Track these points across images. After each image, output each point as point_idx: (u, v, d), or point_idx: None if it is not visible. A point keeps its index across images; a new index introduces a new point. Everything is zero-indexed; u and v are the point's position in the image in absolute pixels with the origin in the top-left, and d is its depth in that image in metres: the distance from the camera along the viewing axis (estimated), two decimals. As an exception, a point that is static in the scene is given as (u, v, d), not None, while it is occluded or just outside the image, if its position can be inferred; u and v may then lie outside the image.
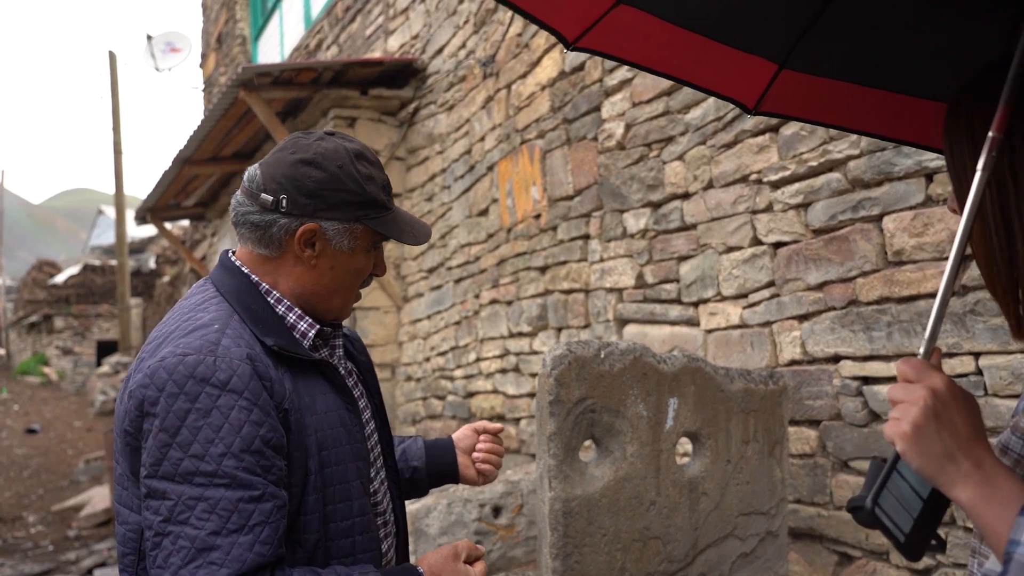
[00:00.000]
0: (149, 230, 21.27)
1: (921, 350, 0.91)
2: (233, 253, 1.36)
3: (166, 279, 16.18)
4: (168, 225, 10.66)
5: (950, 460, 0.82)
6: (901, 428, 0.84)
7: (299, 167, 1.26)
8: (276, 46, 9.84)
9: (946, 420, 0.83)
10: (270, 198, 1.26)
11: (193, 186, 8.52)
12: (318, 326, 1.32)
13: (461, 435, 1.63)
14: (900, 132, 1.54)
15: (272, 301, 1.29)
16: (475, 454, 1.61)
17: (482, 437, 1.62)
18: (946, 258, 2.43)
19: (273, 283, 1.31)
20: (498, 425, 1.64)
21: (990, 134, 0.91)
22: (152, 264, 21.11)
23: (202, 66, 12.13)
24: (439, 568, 1.28)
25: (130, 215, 12.59)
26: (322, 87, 6.09)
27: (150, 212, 9.04)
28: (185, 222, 12.16)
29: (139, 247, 23.13)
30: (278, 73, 5.83)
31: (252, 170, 1.31)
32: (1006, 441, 0.94)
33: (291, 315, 1.30)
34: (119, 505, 1.23)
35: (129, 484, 1.20)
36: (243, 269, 1.31)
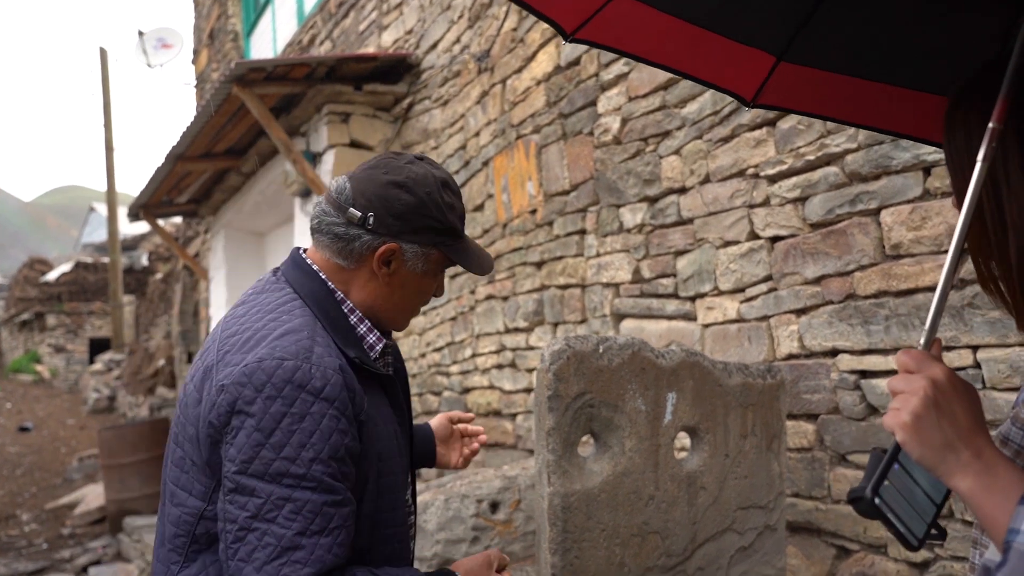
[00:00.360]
0: (141, 227, 21.18)
1: (922, 341, 0.91)
2: (304, 251, 1.39)
3: (159, 276, 16.11)
4: (161, 222, 10.61)
5: (950, 450, 0.82)
6: (901, 418, 0.84)
7: (390, 188, 1.31)
8: (269, 42, 9.80)
9: (946, 410, 0.84)
10: (358, 213, 1.30)
11: (186, 183, 8.48)
12: (384, 340, 1.37)
13: (438, 423, 1.71)
14: (898, 125, 1.53)
15: (346, 311, 1.33)
16: (474, 443, 1.72)
17: (469, 428, 1.72)
18: (944, 251, 2.43)
19: (346, 292, 1.35)
20: (471, 414, 1.74)
21: (990, 125, 0.91)
22: (145, 261, 21.03)
23: (194, 62, 12.07)
24: (474, 574, 1.33)
25: (122, 212, 12.54)
26: (316, 83, 6.06)
27: (143, 209, 8.99)
28: (178, 219, 12.11)
29: (131, 244, 23.04)
30: (271, 69, 5.80)
31: (341, 182, 1.35)
32: (1006, 432, 0.94)
33: (362, 326, 1.34)
34: (175, 487, 1.26)
35: (191, 469, 1.24)
36: (320, 274, 1.34)
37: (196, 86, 11.81)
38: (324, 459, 1.15)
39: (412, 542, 1.45)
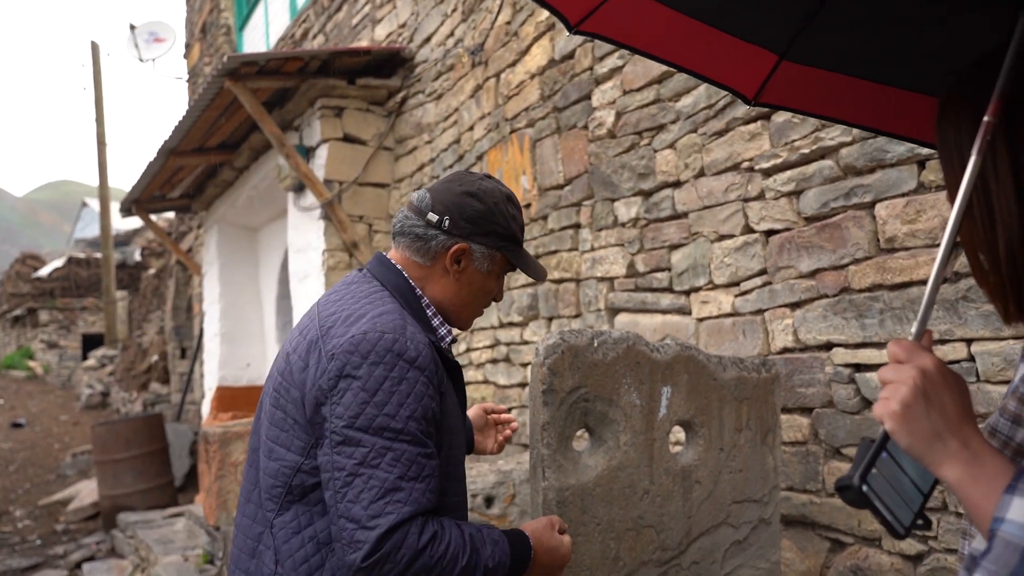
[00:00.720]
0: (134, 222, 21.09)
1: (912, 331, 0.92)
2: (386, 252, 1.62)
3: (152, 272, 16.06)
4: (154, 217, 10.56)
5: (938, 439, 0.84)
6: (890, 407, 0.85)
7: (464, 197, 1.55)
8: (261, 36, 9.76)
9: (935, 400, 0.85)
10: (436, 217, 1.54)
11: (178, 177, 8.44)
12: (452, 334, 1.59)
13: (475, 413, 2.02)
14: (898, 127, 1.54)
15: (424, 304, 1.56)
16: (506, 430, 2.11)
17: (503, 416, 2.07)
18: (938, 245, 2.43)
19: (422, 288, 1.57)
20: (503, 407, 2.02)
21: (985, 119, 0.92)
22: (137, 257, 20.95)
23: (186, 56, 12.01)
24: (540, 534, 1.55)
25: (115, 207, 12.47)
26: (309, 77, 6.03)
27: (135, 204, 8.95)
28: (171, 214, 12.06)
29: (124, 240, 22.96)
30: (264, 62, 5.77)
31: (421, 193, 1.59)
32: (994, 423, 0.95)
33: (436, 319, 1.57)
34: (274, 444, 1.46)
35: (292, 428, 1.43)
36: (402, 271, 1.57)
37: (188, 80, 11.76)
38: (417, 417, 1.36)
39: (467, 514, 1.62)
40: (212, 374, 8.99)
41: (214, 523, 5.42)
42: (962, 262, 2.39)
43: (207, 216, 9.34)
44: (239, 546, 1.51)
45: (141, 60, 11.28)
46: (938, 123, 1.02)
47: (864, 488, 0.85)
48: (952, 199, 0.96)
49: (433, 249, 1.54)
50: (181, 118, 6.66)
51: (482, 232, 1.55)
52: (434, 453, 1.38)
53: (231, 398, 8.71)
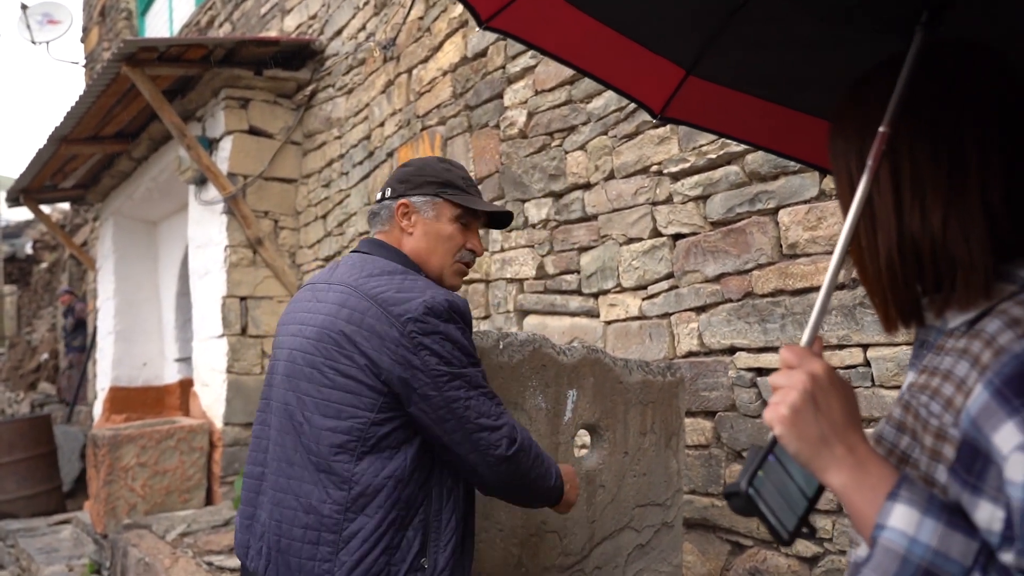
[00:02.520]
0: (26, 213, 20.00)
1: (804, 338, 0.92)
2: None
3: (44, 265, 15.27)
4: (47, 209, 10.02)
5: (824, 445, 0.84)
6: (779, 412, 0.85)
7: (399, 170, 1.87)
8: (165, 22, 9.38)
9: (823, 406, 0.85)
10: (380, 193, 1.86)
11: (72, 166, 8.00)
12: None
13: None
14: (799, 151, 1.55)
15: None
16: None
17: None
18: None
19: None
20: None
21: (881, 129, 0.93)
22: (29, 250, 19.87)
23: (84, 40, 11.45)
24: (566, 470, 1.93)
25: (1, 196, 11.79)
26: (213, 66, 5.80)
27: (23, 193, 8.45)
28: (66, 205, 11.47)
29: (15, 232, 21.75)
30: (165, 49, 5.52)
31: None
32: (880, 430, 0.95)
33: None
34: (340, 405, 1.66)
35: (358, 389, 1.64)
36: (394, 247, 1.82)
37: (86, 66, 11.21)
38: (476, 351, 1.72)
39: None
40: (105, 374, 8.57)
41: (102, 530, 5.14)
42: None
43: (103, 208, 8.90)
44: (286, 507, 1.68)
45: (33, 42, 10.66)
46: (830, 133, 1.04)
47: (750, 491, 0.85)
48: (844, 208, 0.98)
49: (385, 216, 1.84)
50: (74, 104, 6.31)
51: (416, 185, 1.81)
52: None
53: (125, 399, 8.32)
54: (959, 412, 0.81)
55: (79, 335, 10.68)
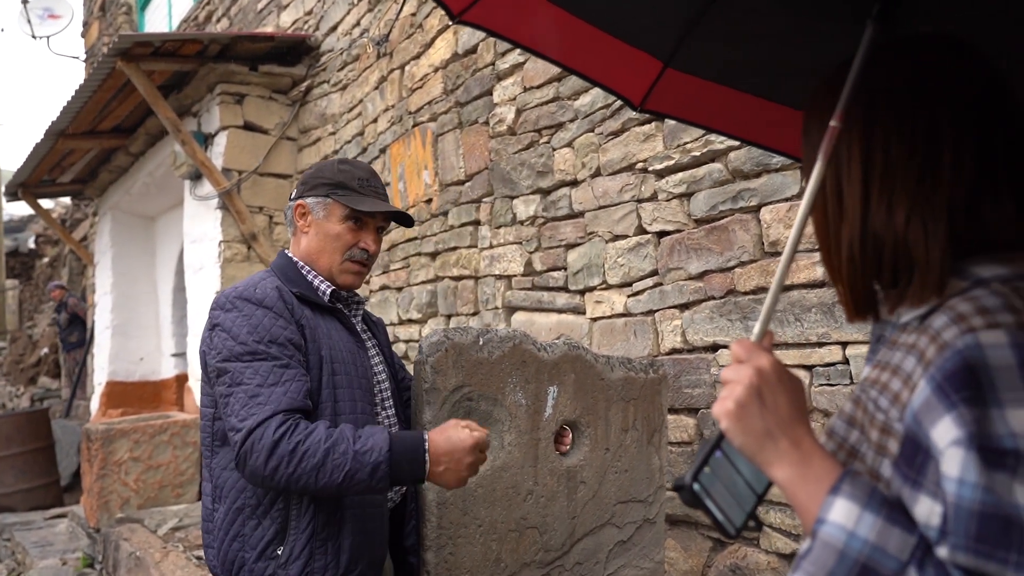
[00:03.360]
0: (29, 208, 20.03)
1: (755, 331, 0.94)
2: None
3: (46, 260, 15.30)
4: (48, 203, 10.04)
5: (770, 439, 0.84)
6: (726, 406, 0.86)
7: (303, 173, 1.91)
8: (164, 17, 9.38)
9: (769, 400, 0.85)
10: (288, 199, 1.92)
11: (69, 161, 8.02)
12: (333, 287, 1.86)
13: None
14: (776, 141, 1.54)
15: (304, 272, 1.86)
16: None
17: None
18: (818, 250, 2.48)
19: (299, 258, 1.88)
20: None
21: (831, 123, 0.93)
22: (31, 244, 19.90)
23: (84, 35, 11.46)
24: (438, 429, 1.73)
25: (1, 191, 11.81)
26: (208, 61, 5.80)
27: (22, 187, 8.47)
28: (67, 200, 11.50)
29: (18, 226, 21.77)
30: (160, 44, 5.53)
31: None
32: (832, 425, 0.96)
33: (316, 280, 1.86)
34: (205, 406, 1.78)
35: (206, 388, 1.76)
36: (286, 251, 1.91)
37: (86, 61, 11.22)
38: (265, 340, 1.65)
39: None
40: (102, 369, 8.59)
41: (95, 525, 5.16)
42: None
43: (101, 203, 8.92)
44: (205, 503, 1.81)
45: (34, 37, 10.68)
46: (803, 129, 1.04)
47: (696, 487, 0.85)
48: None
49: (289, 217, 1.92)
50: (70, 98, 6.32)
51: (311, 187, 1.86)
52: (292, 364, 1.66)
53: (122, 394, 8.34)
54: (904, 407, 0.81)
55: (74, 331, 10.64)
